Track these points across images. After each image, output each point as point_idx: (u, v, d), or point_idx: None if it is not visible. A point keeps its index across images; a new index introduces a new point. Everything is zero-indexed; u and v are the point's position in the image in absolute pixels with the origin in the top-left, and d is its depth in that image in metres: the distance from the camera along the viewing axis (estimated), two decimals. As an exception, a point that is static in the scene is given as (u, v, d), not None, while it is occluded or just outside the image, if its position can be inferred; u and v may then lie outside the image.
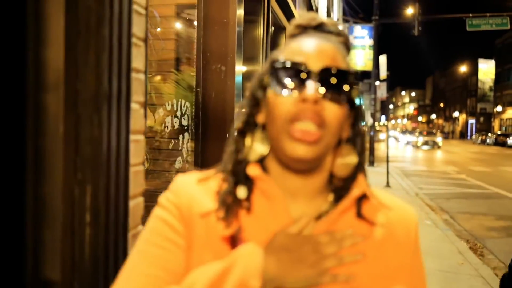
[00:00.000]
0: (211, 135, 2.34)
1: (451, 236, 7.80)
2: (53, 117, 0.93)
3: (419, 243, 0.96)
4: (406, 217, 0.94)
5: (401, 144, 52.59)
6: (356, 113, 0.92)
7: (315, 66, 0.84)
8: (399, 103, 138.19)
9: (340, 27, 0.97)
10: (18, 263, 0.96)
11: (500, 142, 49.18)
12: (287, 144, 0.83)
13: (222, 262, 0.80)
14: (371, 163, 19.13)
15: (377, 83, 20.17)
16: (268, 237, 0.84)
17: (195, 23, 2.43)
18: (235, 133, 0.92)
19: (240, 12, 2.50)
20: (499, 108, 72.13)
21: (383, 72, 14.93)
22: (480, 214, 10.15)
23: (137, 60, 1.14)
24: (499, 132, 60.20)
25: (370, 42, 21.59)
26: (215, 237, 0.85)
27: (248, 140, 0.91)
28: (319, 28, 0.94)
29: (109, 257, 1.11)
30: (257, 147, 0.90)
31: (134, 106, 1.15)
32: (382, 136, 52.01)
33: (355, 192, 0.89)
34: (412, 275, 0.92)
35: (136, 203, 1.27)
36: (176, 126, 2.34)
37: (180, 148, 2.40)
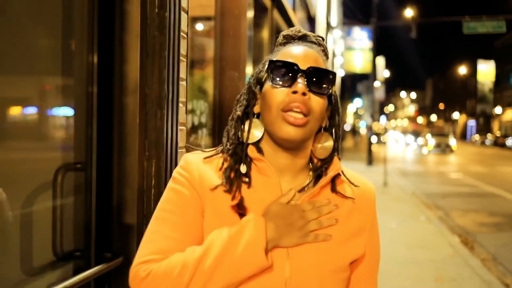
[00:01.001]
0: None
1: (444, 231, 8.18)
2: (131, 112, 1.36)
3: (376, 211, 1.21)
4: (368, 191, 1.19)
5: (402, 146, 49.89)
6: (333, 107, 1.17)
7: (303, 66, 1.07)
8: (399, 104, 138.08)
9: (320, 38, 1.20)
10: (107, 213, 1.40)
11: (499, 144, 49.35)
12: (281, 127, 1.04)
13: (235, 227, 1.00)
14: (369, 162, 19.48)
15: (378, 83, 20.55)
16: (264, 206, 1.05)
17: (202, 32, 2.86)
18: (235, 120, 1.12)
19: (250, 24, 2.93)
20: (499, 109, 72.22)
21: (380, 74, 15.29)
22: (473, 211, 10.54)
23: (182, 72, 1.57)
24: (498, 134, 60.49)
25: (369, 44, 21.86)
26: (223, 206, 1.05)
27: (246, 126, 1.11)
28: (303, 38, 1.16)
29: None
30: (254, 132, 1.10)
31: (180, 105, 1.58)
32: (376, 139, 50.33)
33: (331, 172, 1.12)
34: (371, 234, 1.17)
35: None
36: (196, 123, 2.77)
37: (199, 142, 2.83)
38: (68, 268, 1.38)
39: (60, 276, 1.35)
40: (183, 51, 1.56)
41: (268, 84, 1.08)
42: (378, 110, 21.04)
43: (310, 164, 1.15)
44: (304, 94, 1.04)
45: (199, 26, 3.04)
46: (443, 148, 35.09)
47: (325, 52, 1.18)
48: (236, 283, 0.98)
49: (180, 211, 1.04)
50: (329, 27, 10.81)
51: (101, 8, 1.34)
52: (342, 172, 1.16)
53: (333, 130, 1.16)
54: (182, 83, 1.59)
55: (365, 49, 21.82)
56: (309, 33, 1.19)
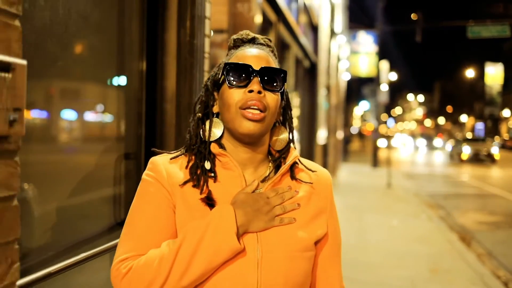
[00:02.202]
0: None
1: (443, 228, 8.55)
2: (169, 115, 1.81)
3: (333, 194, 1.30)
4: (325, 177, 1.28)
5: (411, 150, 47.74)
6: (286, 102, 1.26)
7: (256, 66, 1.14)
8: (407, 107, 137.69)
9: (268, 39, 1.30)
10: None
11: (507, 146, 49.02)
12: (241, 123, 1.12)
13: (207, 217, 1.08)
14: (374, 164, 19.81)
15: (386, 87, 20.87)
16: (230, 197, 1.13)
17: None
18: (196, 121, 1.20)
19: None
20: (507, 112, 71.96)
21: (385, 78, 15.66)
22: (474, 211, 10.90)
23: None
24: (506, 137, 60.27)
25: (375, 48, 22.10)
26: (193, 200, 1.12)
27: (206, 126, 1.18)
28: (252, 41, 1.24)
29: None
30: (214, 130, 1.18)
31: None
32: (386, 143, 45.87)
33: (289, 161, 1.20)
34: (331, 215, 1.26)
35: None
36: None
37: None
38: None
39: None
40: (206, 67, 2.01)
41: (225, 85, 1.15)
42: (383, 113, 21.31)
43: (269, 156, 1.24)
44: (259, 92, 1.12)
45: (213, 38, 3.48)
46: (484, 158, 27.16)
47: (273, 52, 1.26)
48: (213, 268, 1.06)
49: (152, 209, 1.12)
50: (332, 33, 11.23)
51: (148, 37, 1.80)
52: (299, 160, 1.25)
53: (287, 124, 1.26)
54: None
55: (370, 53, 22.10)
56: (257, 35, 1.27)
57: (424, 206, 10.98)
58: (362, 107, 42.42)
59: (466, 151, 27.51)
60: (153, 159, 1.19)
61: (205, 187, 1.13)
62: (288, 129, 1.25)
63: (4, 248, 0.88)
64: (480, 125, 79.49)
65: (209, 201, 1.12)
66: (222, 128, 1.19)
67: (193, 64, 1.86)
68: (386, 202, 11.14)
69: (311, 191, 1.22)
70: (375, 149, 20.30)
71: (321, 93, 8.38)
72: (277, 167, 1.22)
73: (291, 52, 5.71)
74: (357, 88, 29.05)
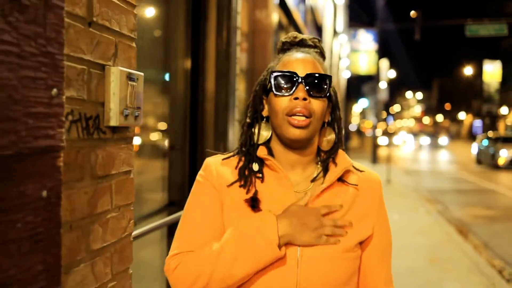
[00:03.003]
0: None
1: (442, 221, 8.86)
2: (209, 113, 2.13)
3: (382, 197, 1.29)
4: (373, 179, 1.28)
5: (412, 147, 46.07)
6: (333, 104, 1.26)
7: (302, 73, 1.16)
8: (405, 105, 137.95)
9: (316, 39, 1.31)
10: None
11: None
12: (287, 129, 1.15)
13: (249, 223, 1.12)
14: (374, 161, 20.11)
15: (385, 84, 21.15)
16: (275, 197, 1.17)
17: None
18: (247, 126, 1.24)
19: (275, 40, 3.67)
20: (505, 110, 72.20)
21: (384, 76, 15.95)
22: (471, 206, 11.21)
23: (238, 85, 2.34)
24: (504, 134, 60.46)
25: (374, 46, 22.30)
26: (239, 200, 1.16)
27: (255, 129, 1.22)
28: (300, 43, 1.26)
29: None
30: (262, 133, 1.22)
31: (236, 108, 2.36)
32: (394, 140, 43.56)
33: (341, 166, 1.22)
34: (378, 217, 1.25)
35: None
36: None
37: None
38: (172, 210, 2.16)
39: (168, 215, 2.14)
40: (238, 71, 2.31)
41: (272, 93, 1.18)
42: (383, 110, 21.62)
43: (318, 157, 1.26)
44: (304, 99, 1.14)
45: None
46: None
47: (321, 53, 1.28)
48: (256, 271, 1.10)
49: (202, 208, 1.18)
50: (335, 33, 11.54)
51: (193, 45, 2.10)
52: (352, 166, 1.25)
53: (335, 124, 1.27)
54: (237, 93, 2.35)
55: (370, 51, 22.34)
56: (305, 36, 1.28)
57: (423, 201, 11.28)
58: (361, 105, 42.68)
59: (504, 154, 20.63)
60: (206, 160, 1.26)
61: (251, 187, 1.17)
62: (336, 130, 1.27)
63: (126, 209, 1.19)
64: (478, 123, 79.85)
65: (254, 202, 1.15)
66: (270, 131, 1.22)
67: (228, 69, 2.18)
68: (387, 197, 11.35)
69: (357, 193, 1.23)
70: (374, 146, 20.61)
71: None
72: (325, 168, 1.23)
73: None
74: (357, 86, 29.36)
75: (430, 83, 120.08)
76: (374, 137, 20.99)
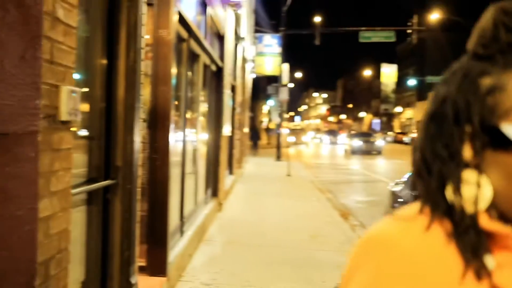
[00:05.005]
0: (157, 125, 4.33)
1: (329, 207, 10.23)
2: (120, 112, 2.95)
3: None
4: None
5: (316, 144, 47.54)
6: None
7: None
8: (312, 104, 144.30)
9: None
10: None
11: (398, 140, 53.80)
12: None
13: None
14: (278, 157, 21.60)
15: (286, 87, 22.72)
16: None
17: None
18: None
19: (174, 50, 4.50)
20: (399, 109, 78.69)
21: (286, 78, 17.36)
22: (356, 193, 12.88)
23: (142, 91, 3.18)
24: (399, 131, 66.27)
25: (279, 49, 23.95)
26: None
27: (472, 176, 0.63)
28: None
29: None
30: (486, 189, 0.63)
31: (141, 109, 3.18)
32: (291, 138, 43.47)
33: None
34: None
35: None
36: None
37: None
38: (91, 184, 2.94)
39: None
40: (142, 81, 3.12)
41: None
42: (287, 110, 23.26)
43: None
44: None
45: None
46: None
47: None
48: None
49: None
50: (238, 38, 12.56)
51: (108, 63, 2.87)
52: None
53: None
54: (142, 98, 3.15)
55: (275, 54, 23.88)
56: None
57: (317, 191, 12.70)
58: (269, 105, 44.61)
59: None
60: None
61: None
62: None
63: (67, 171, 1.99)
64: (376, 121, 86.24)
65: None
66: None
67: (134, 80, 2.99)
68: (284, 188, 12.72)
69: None
70: (279, 143, 22.14)
71: (227, 92, 9.64)
72: None
73: (200, 60, 6.88)
74: (265, 87, 30.95)
75: (335, 84, 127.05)
76: (278, 136, 22.54)
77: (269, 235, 7.21)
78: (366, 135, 33.88)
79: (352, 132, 42.51)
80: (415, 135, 51.60)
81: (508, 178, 0.62)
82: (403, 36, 28.57)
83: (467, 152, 0.64)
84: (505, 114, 0.61)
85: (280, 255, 6.11)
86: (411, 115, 73.46)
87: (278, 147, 21.95)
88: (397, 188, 6.21)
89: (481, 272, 0.61)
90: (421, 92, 67.62)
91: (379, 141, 32.21)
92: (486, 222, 0.63)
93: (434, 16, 35.18)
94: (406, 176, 6.20)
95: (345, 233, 7.74)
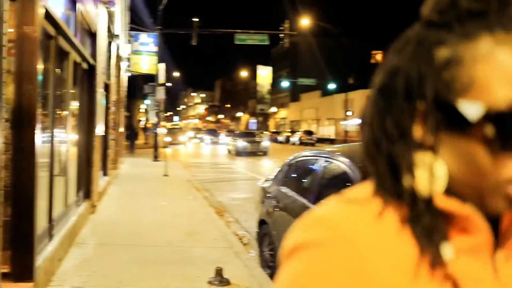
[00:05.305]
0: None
1: (205, 205, 10.43)
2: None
3: None
4: None
5: (196, 144, 46.56)
6: None
7: None
8: (191, 104, 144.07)
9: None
10: None
11: (272, 139, 56.11)
12: (497, 203, 0.59)
13: None
14: (155, 158, 21.33)
15: (162, 86, 22.51)
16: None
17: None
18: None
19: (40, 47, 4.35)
20: (274, 109, 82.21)
21: (162, 77, 17.25)
22: (233, 191, 13.29)
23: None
24: (273, 130, 69.18)
25: (156, 48, 23.63)
26: None
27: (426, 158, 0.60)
28: None
29: None
30: (440, 173, 0.59)
31: (3, 108, 3.04)
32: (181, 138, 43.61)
33: None
34: None
35: None
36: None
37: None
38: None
39: None
40: (4, 79, 3.01)
41: (480, 146, 0.57)
42: (165, 109, 23.05)
43: None
44: None
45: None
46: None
47: None
48: None
49: None
50: (112, 36, 12.22)
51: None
52: None
53: None
54: (4, 97, 3.03)
55: (151, 53, 23.50)
56: None
57: (194, 189, 12.85)
58: (146, 104, 43.78)
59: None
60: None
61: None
62: None
63: None
64: (253, 121, 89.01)
65: None
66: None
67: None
68: (161, 188, 12.69)
69: None
70: (156, 143, 21.87)
71: (100, 91, 9.36)
72: None
73: (70, 57, 6.62)
74: (142, 85, 30.34)
75: (214, 84, 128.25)
76: (155, 136, 22.26)
77: (144, 235, 7.21)
78: (251, 135, 32.73)
79: (236, 131, 41.45)
80: (288, 134, 54.37)
81: (465, 161, 0.58)
82: (277, 40, 29.91)
83: (418, 132, 0.60)
84: (462, 90, 0.56)
85: (155, 254, 6.17)
86: (285, 115, 77.20)
87: (156, 147, 21.68)
88: (267, 184, 6.61)
89: (437, 260, 0.58)
90: (294, 93, 71.54)
91: (264, 141, 31.31)
92: (443, 201, 0.59)
93: (305, 22, 37.34)
94: (275, 173, 6.61)
95: (220, 229, 8.00)
